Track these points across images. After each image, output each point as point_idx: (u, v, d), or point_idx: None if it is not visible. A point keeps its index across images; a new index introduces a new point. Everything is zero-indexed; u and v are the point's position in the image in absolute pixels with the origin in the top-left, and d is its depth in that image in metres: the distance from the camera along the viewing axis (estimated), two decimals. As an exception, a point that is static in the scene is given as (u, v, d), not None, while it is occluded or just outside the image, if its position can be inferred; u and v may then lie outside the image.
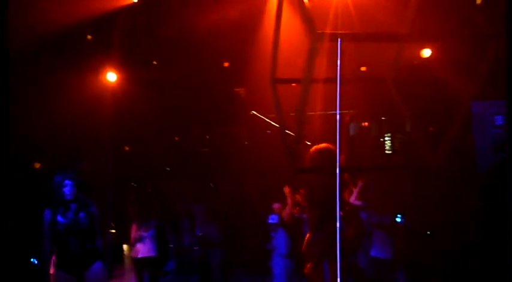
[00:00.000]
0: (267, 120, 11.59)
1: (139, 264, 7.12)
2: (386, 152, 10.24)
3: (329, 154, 4.66)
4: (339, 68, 2.37)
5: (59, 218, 4.40)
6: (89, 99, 8.46)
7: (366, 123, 11.16)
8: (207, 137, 12.25)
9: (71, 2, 7.88)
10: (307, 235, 5.20)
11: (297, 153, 3.26)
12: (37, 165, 9.06)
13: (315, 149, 4.98)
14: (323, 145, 4.97)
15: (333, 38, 2.54)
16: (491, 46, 3.10)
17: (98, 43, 9.37)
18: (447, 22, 6.46)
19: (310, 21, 2.78)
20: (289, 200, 6.66)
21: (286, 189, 6.53)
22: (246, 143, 11.90)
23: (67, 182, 4.42)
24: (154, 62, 11.15)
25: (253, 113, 11.72)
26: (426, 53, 7.88)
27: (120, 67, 9.14)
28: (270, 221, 6.75)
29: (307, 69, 2.70)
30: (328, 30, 2.88)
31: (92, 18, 8.50)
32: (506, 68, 2.51)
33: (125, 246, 7.66)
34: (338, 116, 2.51)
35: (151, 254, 7.07)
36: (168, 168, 10.41)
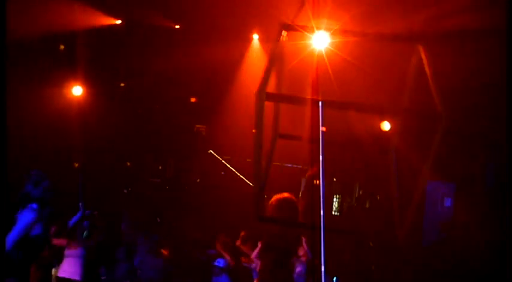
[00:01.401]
0: (222, 161, 11.65)
1: None
2: (333, 213, 10.47)
3: (289, 204, 4.74)
4: (321, 131, 2.49)
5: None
6: (52, 111, 8.25)
7: (317, 181, 11.43)
8: (160, 167, 12.10)
9: (49, 13, 7.81)
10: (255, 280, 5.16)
11: (260, 202, 3.29)
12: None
13: (276, 198, 5.06)
14: (284, 194, 5.05)
15: (314, 102, 2.69)
16: (438, 128, 3.31)
17: (66, 56, 9.24)
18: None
19: (263, 80, 2.89)
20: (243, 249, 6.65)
21: (238, 242, 6.51)
22: (198, 180, 11.83)
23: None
24: (122, 84, 11.10)
25: (211, 152, 11.76)
26: (386, 125, 8.27)
27: (86, 82, 9.02)
28: (216, 263, 6.62)
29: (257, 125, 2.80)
30: (309, 94, 3.03)
31: (65, 32, 8.45)
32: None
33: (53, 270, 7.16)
34: (321, 174, 2.61)
35: (74, 276, 6.54)
36: (125, 191, 10.08)
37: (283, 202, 4.90)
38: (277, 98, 2.81)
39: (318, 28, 3.33)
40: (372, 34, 3.58)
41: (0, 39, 2.59)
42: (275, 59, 3.31)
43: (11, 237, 4.15)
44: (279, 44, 3.24)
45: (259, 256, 5.42)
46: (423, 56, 2.75)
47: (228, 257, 7.32)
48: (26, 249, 4.29)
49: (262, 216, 3.21)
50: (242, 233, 7.34)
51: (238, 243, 6.83)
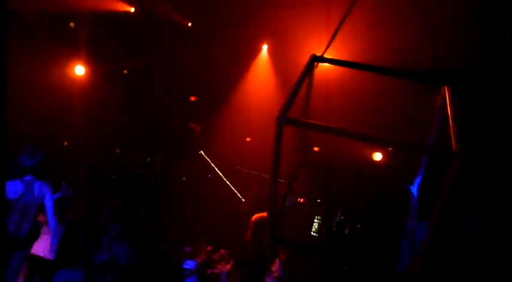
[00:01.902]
0: (212, 164, 11.62)
1: (31, 262, 6.49)
2: (312, 233, 10.46)
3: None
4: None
5: None
6: (55, 90, 8.23)
7: (302, 200, 11.43)
8: (148, 159, 12.04)
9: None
10: None
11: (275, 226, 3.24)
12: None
13: (257, 216, 5.12)
14: (264, 214, 5.10)
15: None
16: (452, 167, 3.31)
17: (73, 36, 9.23)
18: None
19: (286, 104, 2.79)
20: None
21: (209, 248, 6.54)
22: (183, 178, 11.78)
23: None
24: (125, 71, 11.09)
25: (201, 153, 11.74)
26: (377, 156, 8.39)
27: (89, 62, 8.99)
28: (186, 266, 6.54)
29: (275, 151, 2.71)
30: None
31: (79, 12, 8.45)
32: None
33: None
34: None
35: (45, 255, 6.31)
36: (113, 177, 9.99)
37: (263, 220, 4.95)
38: (300, 124, 2.68)
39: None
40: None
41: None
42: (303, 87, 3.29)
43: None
44: (310, 74, 3.22)
45: (230, 272, 5.47)
46: (448, 97, 2.73)
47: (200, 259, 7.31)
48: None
49: (278, 238, 3.16)
50: (222, 251, 7.37)
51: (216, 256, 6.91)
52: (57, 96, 8.64)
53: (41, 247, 6.38)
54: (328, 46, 3.12)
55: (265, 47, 9.07)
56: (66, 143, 9.36)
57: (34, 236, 5.57)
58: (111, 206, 7.53)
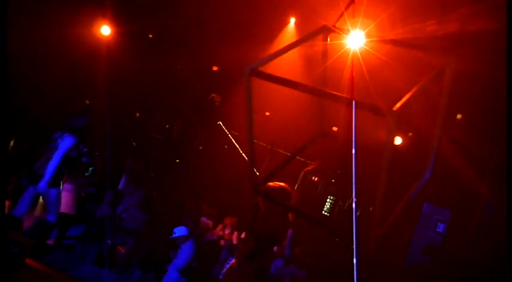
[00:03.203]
0: (229, 135, 11.63)
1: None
2: (324, 212, 10.47)
3: (283, 192, 4.77)
4: (354, 132, 2.44)
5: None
6: (82, 51, 8.24)
7: (316, 179, 11.40)
8: (167, 126, 12.10)
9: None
10: (233, 261, 5.21)
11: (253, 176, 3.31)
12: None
13: (272, 185, 5.08)
14: (281, 184, 5.07)
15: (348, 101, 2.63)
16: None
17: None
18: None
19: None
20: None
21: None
22: (200, 148, 11.84)
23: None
24: (150, 36, 11.01)
25: (219, 124, 11.74)
26: (398, 140, 8.27)
27: (115, 22, 8.94)
28: (176, 234, 6.32)
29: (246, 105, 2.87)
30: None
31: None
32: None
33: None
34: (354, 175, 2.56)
35: (64, 210, 6.58)
36: (134, 143, 10.11)
37: (278, 190, 4.91)
38: (263, 75, 2.83)
39: (353, 27, 3.32)
40: (405, 41, 3.53)
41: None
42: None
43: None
44: (323, 45, 3.26)
45: (240, 241, 5.45)
46: (447, 72, 2.72)
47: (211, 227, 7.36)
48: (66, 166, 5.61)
49: (258, 190, 3.22)
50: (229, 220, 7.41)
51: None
52: (82, 56, 8.66)
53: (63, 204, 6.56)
54: (338, 19, 3.13)
55: (292, 20, 8.87)
56: (88, 102, 9.42)
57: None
58: (130, 170, 7.60)
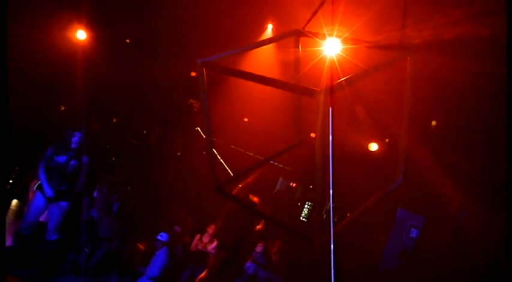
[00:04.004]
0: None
1: None
2: (301, 218, 10.50)
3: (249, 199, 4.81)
4: (331, 137, 2.44)
5: (56, 157, 5.53)
6: (56, 54, 8.09)
7: (294, 184, 11.44)
8: (144, 131, 11.98)
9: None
10: (203, 273, 5.19)
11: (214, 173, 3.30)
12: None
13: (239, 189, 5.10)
14: (254, 198, 5.10)
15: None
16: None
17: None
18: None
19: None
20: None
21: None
22: (178, 154, 11.75)
23: (77, 133, 5.59)
24: (127, 40, 10.90)
25: (197, 130, 11.68)
26: (373, 146, 8.37)
27: (90, 26, 8.81)
28: (159, 237, 6.42)
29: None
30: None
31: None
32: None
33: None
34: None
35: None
36: (113, 158, 9.94)
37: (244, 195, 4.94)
38: (215, 67, 2.86)
39: (330, 35, 3.37)
40: (369, 43, 3.63)
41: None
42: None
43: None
44: (294, 51, 3.31)
45: (214, 251, 5.44)
46: (408, 67, 2.81)
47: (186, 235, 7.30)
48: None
49: (220, 189, 3.19)
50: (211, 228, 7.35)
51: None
52: (58, 60, 8.50)
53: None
54: (309, 20, 3.18)
55: (270, 26, 8.91)
56: (63, 108, 9.26)
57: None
58: (107, 181, 7.48)
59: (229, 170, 10.08)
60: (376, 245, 7.93)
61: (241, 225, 4.94)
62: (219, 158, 10.99)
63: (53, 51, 8.32)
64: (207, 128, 3.06)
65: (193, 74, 11.64)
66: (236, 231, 4.94)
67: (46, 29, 8.10)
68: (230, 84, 9.57)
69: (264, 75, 2.81)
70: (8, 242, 6.00)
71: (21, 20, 7.66)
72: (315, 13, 3.22)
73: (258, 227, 6.51)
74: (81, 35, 8.67)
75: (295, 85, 2.77)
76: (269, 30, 8.89)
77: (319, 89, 2.25)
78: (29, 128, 7.90)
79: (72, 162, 5.60)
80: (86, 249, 6.40)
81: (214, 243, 6.94)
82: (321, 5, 3.11)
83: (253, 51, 9.03)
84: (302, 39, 3.42)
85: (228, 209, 5.24)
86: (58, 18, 8.37)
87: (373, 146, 8.41)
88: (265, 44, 3.37)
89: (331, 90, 2.26)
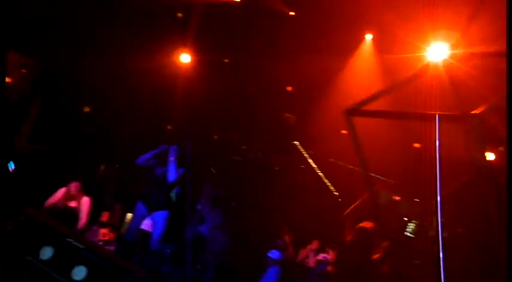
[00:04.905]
0: (305, 154, 11.54)
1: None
2: (407, 233, 9.94)
3: (364, 233, 4.79)
4: (438, 147, 2.32)
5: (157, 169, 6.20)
6: (160, 77, 8.68)
7: (397, 198, 10.90)
8: (244, 147, 12.26)
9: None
10: None
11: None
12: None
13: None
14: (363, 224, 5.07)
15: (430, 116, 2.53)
16: None
17: (174, 24, 9.56)
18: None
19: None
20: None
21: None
22: (276, 168, 11.84)
23: (176, 147, 6.17)
24: (226, 60, 11.31)
25: (295, 144, 11.70)
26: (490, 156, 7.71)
27: (194, 50, 9.29)
28: (270, 255, 6.46)
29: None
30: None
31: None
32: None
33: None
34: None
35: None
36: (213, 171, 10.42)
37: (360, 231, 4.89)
38: (362, 113, 2.78)
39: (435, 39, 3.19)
40: (491, 53, 3.33)
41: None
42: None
43: None
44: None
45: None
46: None
47: (290, 249, 7.24)
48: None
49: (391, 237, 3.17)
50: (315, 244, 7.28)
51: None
52: (163, 83, 9.09)
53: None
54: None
55: (369, 37, 8.70)
56: (169, 127, 9.85)
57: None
58: (211, 194, 7.73)
59: (329, 185, 9.93)
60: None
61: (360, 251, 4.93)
62: (319, 172, 10.90)
63: (158, 74, 8.93)
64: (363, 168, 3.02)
65: (289, 88, 11.73)
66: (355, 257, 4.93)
67: (152, 55, 8.72)
68: (328, 95, 9.49)
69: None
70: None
71: (129, 49, 8.35)
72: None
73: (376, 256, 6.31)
74: (185, 58, 9.18)
75: (450, 115, 2.62)
76: (368, 40, 8.70)
77: (475, 114, 2.16)
78: (137, 146, 8.40)
79: (170, 174, 5.93)
80: (198, 266, 6.57)
81: (315, 258, 6.85)
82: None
83: (352, 58, 8.91)
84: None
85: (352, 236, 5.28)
86: (163, 44, 8.97)
87: (490, 155, 7.71)
88: (406, 83, 3.24)
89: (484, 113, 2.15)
